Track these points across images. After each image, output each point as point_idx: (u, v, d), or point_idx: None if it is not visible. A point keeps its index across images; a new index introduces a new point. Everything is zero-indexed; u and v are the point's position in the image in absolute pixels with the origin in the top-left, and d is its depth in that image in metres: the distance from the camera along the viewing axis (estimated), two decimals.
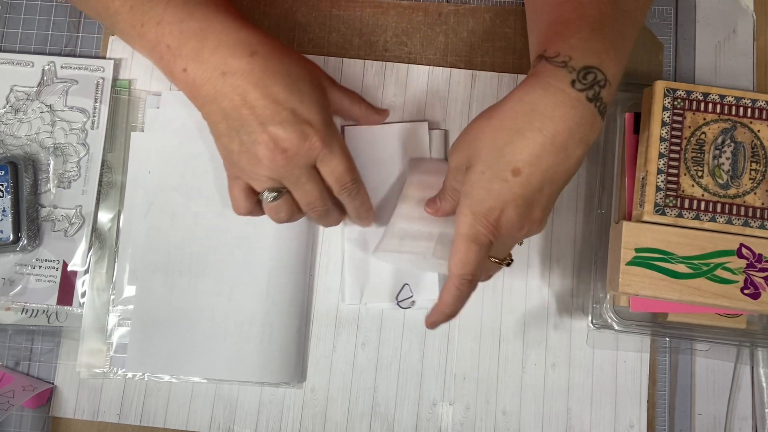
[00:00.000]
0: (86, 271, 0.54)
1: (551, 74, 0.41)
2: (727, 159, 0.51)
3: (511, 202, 0.41)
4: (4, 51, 0.58)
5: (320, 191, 0.47)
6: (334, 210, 0.50)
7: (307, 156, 0.44)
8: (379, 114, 0.56)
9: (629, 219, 0.52)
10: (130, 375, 0.53)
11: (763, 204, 0.50)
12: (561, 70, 0.41)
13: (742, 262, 0.49)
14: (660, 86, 0.51)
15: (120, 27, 0.46)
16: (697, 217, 0.50)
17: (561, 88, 0.41)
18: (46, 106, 0.56)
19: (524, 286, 0.55)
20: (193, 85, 0.44)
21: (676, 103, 0.51)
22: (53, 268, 0.54)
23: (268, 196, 0.46)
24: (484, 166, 0.42)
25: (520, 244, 0.54)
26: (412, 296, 0.54)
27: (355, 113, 0.54)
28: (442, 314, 0.45)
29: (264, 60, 0.44)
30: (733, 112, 0.51)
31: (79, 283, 0.54)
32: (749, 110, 0.51)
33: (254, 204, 0.48)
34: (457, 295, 0.43)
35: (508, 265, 0.47)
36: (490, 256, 0.45)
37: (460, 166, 0.44)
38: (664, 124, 0.51)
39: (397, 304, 0.54)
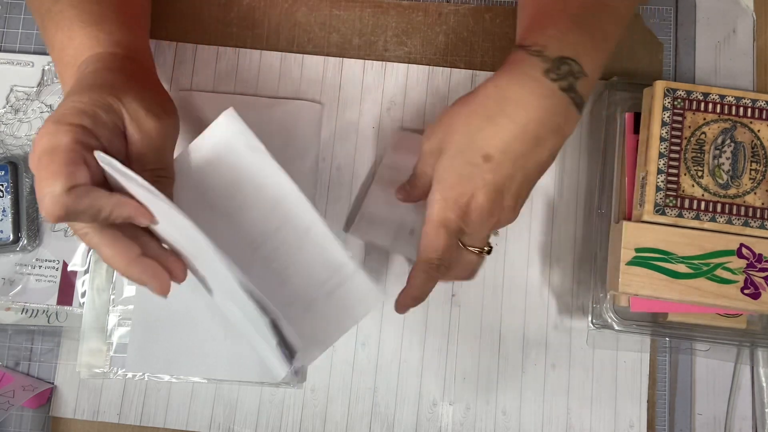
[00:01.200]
0: (86, 271, 0.54)
1: (526, 63, 0.41)
2: (727, 159, 0.51)
3: (481, 187, 0.41)
4: (4, 51, 0.58)
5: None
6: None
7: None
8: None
9: (629, 219, 0.52)
10: (130, 375, 0.53)
11: (763, 204, 0.50)
12: (535, 58, 0.41)
13: (742, 262, 0.49)
14: (660, 86, 0.51)
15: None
16: (697, 217, 0.50)
17: (534, 76, 0.41)
18: (46, 106, 0.56)
19: (524, 286, 0.55)
20: None
21: (676, 103, 0.51)
22: (53, 268, 0.54)
23: None
24: (456, 151, 0.42)
25: (496, 234, 0.55)
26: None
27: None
28: (410, 298, 0.45)
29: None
30: (733, 112, 0.51)
31: (79, 283, 0.54)
32: (749, 110, 0.51)
33: None
34: (425, 279, 0.43)
35: (488, 253, 0.47)
36: (467, 245, 0.45)
37: (432, 151, 0.44)
38: (664, 124, 0.51)
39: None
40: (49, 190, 0.34)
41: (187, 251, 0.40)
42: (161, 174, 0.41)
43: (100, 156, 0.36)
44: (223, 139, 0.43)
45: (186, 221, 0.37)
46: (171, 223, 0.38)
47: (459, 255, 0.46)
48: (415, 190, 0.47)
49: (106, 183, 0.38)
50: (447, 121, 0.43)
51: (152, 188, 0.36)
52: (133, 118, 0.39)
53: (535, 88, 0.41)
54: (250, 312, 0.40)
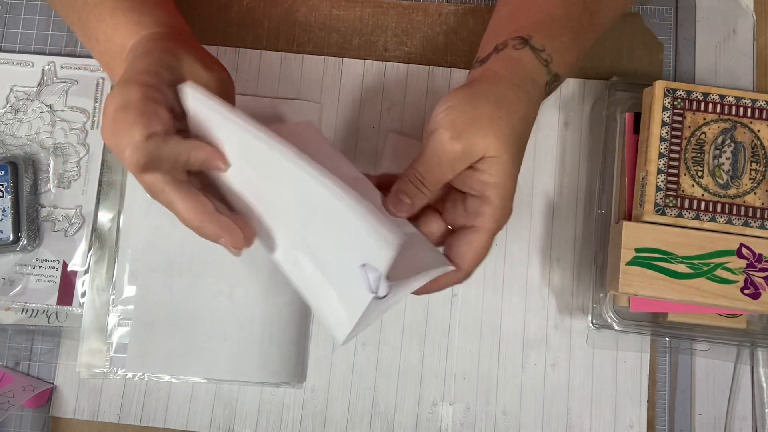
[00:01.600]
0: (86, 271, 0.54)
1: (536, 70, 0.43)
2: (727, 159, 0.51)
3: (514, 187, 0.41)
4: (4, 51, 0.58)
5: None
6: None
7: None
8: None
9: (629, 219, 0.52)
10: (130, 375, 0.53)
11: (763, 204, 0.50)
12: (543, 69, 0.43)
13: (742, 262, 0.49)
14: (660, 86, 0.51)
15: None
16: (697, 217, 0.50)
17: (541, 86, 0.43)
18: (46, 106, 0.56)
19: (524, 285, 0.55)
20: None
21: (676, 103, 0.51)
22: (53, 268, 0.54)
23: None
24: (509, 155, 0.40)
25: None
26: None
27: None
28: (422, 292, 0.42)
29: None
30: (733, 112, 0.51)
31: (79, 283, 0.54)
32: (749, 110, 0.51)
33: None
34: (452, 285, 0.43)
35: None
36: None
37: (471, 156, 0.40)
38: (664, 124, 0.51)
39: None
40: (128, 139, 0.35)
41: (262, 196, 0.40)
42: None
43: (187, 87, 0.38)
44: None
45: (278, 144, 0.37)
46: (251, 160, 0.38)
47: None
48: (419, 199, 0.42)
49: (177, 135, 0.39)
50: (480, 123, 0.40)
51: (239, 113, 0.37)
52: (192, 74, 0.40)
53: (539, 98, 0.43)
54: (339, 248, 0.38)
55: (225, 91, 0.42)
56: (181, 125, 0.39)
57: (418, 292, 0.42)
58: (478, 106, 0.41)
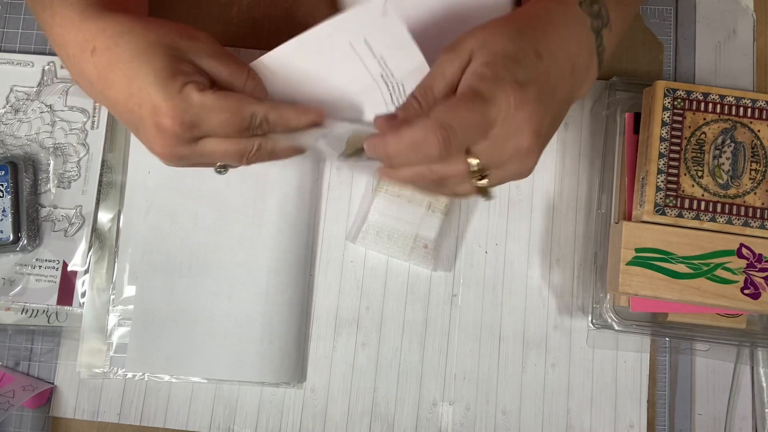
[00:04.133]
0: (86, 271, 0.54)
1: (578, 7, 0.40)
2: (727, 159, 0.51)
3: (532, 80, 0.35)
4: (4, 51, 0.58)
5: (225, 150, 0.41)
6: (271, 142, 0.42)
7: (181, 140, 0.39)
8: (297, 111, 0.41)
9: (629, 219, 0.52)
10: (130, 375, 0.53)
11: (763, 204, 0.50)
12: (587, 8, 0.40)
13: (742, 262, 0.49)
14: (660, 86, 0.51)
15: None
16: (697, 217, 0.50)
17: (572, 3, 0.40)
18: (46, 106, 0.56)
19: (524, 286, 0.55)
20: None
21: (676, 103, 0.51)
22: (53, 268, 0.54)
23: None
24: (501, 51, 0.36)
25: (488, 197, 0.41)
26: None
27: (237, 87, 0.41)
28: (383, 150, 0.37)
29: (103, 56, 0.40)
30: (733, 112, 0.51)
31: (79, 283, 0.54)
32: (749, 110, 0.51)
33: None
34: (417, 142, 0.35)
35: (486, 195, 0.40)
36: (474, 165, 0.37)
37: (456, 51, 0.37)
38: (664, 124, 0.51)
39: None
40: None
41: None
42: (255, 75, 0.41)
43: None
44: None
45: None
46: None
47: (454, 170, 0.37)
48: (407, 110, 0.38)
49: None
50: (482, 31, 0.37)
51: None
52: (195, 52, 0.39)
53: (575, 14, 0.39)
54: None
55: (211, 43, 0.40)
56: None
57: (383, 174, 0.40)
58: (483, 24, 0.39)
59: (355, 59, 0.42)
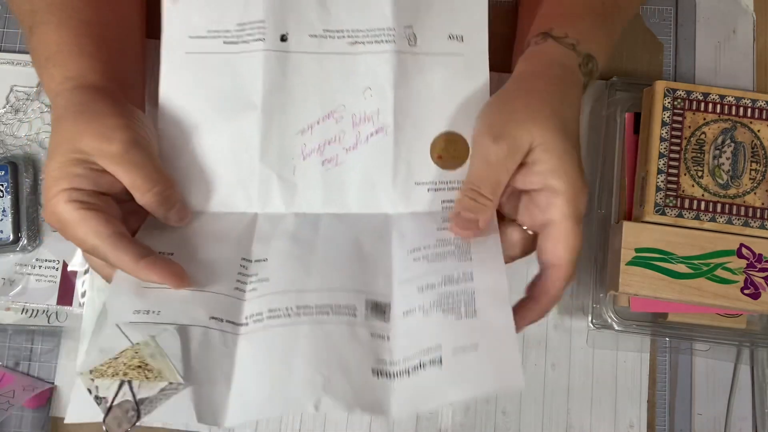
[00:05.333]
0: (86, 271, 0.54)
1: (564, 55, 0.42)
2: (727, 159, 0.51)
3: (582, 173, 0.39)
4: (4, 51, 0.58)
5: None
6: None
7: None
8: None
9: (629, 219, 0.52)
10: None
11: (763, 204, 0.50)
12: (571, 52, 0.42)
13: (742, 262, 0.49)
14: (660, 86, 0.51)
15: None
16: (697, 217, 0.50)
17: (573, 68, 0.42)
18: (46, 106, 0.56)
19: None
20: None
21: (676, 103, 0.51)
22: (53, 268, 0.54)
23: None
24: (555, 137, 0.39)
25: None
26: None
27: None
28: (543, 312, 0.41)
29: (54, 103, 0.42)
30: (733, 112, 0.51)
31: (79, 283, 0.54)
32: (749, 110, 0.51)
33: None
34: (567, 285, 0.40)
35: None
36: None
37: (519, 148, 0.39)
38: (664, 124, 0.51)
39: None
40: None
41: None
42: (160, 191, 0.41)
43: None
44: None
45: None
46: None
47: None
48: (484, 212, 0.40)
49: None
50: (533, 125, 0.39)
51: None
52: (100, 155, 0.39)
53: (577, 82, 0.42)
54: None
55: (140, 149, 0.41)
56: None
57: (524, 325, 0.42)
58: (509, 102, 0.41)
59: None
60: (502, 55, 0.58)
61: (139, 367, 0.35)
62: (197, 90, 0.46)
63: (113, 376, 0.35)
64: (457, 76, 0.46)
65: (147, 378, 0.35)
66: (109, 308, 0.38)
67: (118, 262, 0.38)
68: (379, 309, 0.39)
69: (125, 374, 0.35)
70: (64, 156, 0.39)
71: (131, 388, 0.35)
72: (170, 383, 0.35)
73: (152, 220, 0.43)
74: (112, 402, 0.34)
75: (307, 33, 0.45)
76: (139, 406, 0.34)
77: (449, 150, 0.45)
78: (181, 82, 0.46)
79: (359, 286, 0.40)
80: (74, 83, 0.42)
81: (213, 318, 0.38)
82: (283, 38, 0.45)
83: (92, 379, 0.35)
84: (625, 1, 0.47)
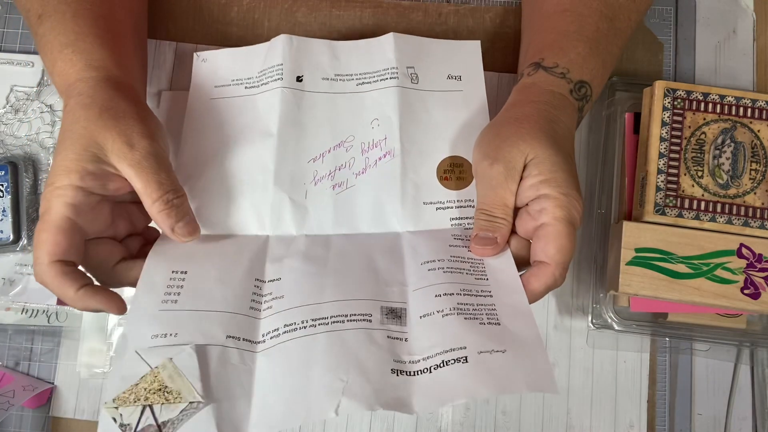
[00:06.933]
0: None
1: (554, 83, 0.45)
2: (727, 159, 0.51)
3: (577, 186, 0.42)
4: (4, 51, 0.58)
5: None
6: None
7: None
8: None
9: (629, 219, 0.52)
10: None
11: (763, 204, 0.50)
12: (561, 80, 0.45)
13: (742, 262, 0.49)
14: (660, 86, 0.51)
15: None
16: (697, 217, 0.50)
17: (565, 95, 0.45)
18: (46, 106, 0.56)
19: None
20: None
21: (676, 103, 0.51)
22: None
23: None
24: (547, 150, 0.41)
25: None
26: None
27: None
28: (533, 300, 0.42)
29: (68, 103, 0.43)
30: (733, 112, 0.51)
31: None
32: (749, 110, 0.51)
33: None
34: (552, 285, 0.41)
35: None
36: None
37: (514, 168, 0.42)
38: (664, 124, 0.51)
39: None
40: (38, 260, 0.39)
41: None
42: (171, 198, 0.42)
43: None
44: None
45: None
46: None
47: None
48: (501, 229, 0.43)
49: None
50: (525, 145, 0.42)
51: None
52: (119, 158, 0.40)
53: (568, 105, 0.45)
54: None
55: (155, 161, 0.41)
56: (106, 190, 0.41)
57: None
58: (501, 129, 0.44)
59: None
60: (502, 55, 0.58)
61: (159, 390, 0.36)
62: (219, 126, 0.49)
63: (135, 402, 0.35)
64: (457, 107, 0.50)
65: (167, 400, 0.35)
66: (128, 335, 0.38)
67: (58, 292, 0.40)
68: (395, 313, 0.40)
69: (146, 399, 0.35)
70: (82, 146, 0.40)
71: (153, 412, 0.35)
72: (190, 402, 0.35)
73: (164, 239, 0.44)
74: (137, 428, 0.35)
75: (320, 76, 0.50)
76: (161, 429, 0.34)
77: (455, 172, 0.48)
78: (204, 121, 0.50)
79: (373, 296, 0.41)
80: (99, 74, 0.43)
81: (230, 337, 0.39)
82: (299, 79, 0.49)
83: (116, 407, 0.35)
84: (623, 23, 0.48)
